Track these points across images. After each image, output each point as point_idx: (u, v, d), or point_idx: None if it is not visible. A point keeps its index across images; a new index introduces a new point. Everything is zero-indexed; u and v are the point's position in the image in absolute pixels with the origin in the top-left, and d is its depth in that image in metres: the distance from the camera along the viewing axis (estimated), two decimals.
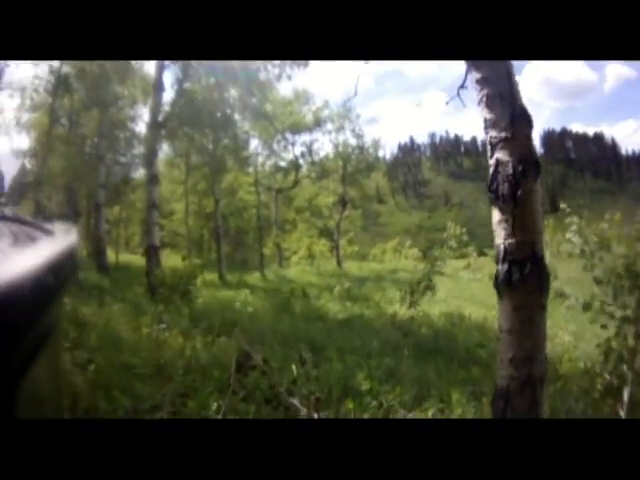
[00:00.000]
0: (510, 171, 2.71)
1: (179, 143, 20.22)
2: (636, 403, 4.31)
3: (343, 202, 31.15)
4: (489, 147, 2.86)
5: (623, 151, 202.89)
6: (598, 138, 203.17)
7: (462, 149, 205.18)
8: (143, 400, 4.26)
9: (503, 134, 2.78)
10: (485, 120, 2.89)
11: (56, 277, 0.44)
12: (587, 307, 4.58)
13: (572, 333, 7.49)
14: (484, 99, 2.87)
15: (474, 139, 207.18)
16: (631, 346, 4.29)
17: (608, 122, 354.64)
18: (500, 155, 2.77)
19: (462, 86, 4.24)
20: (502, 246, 2.68)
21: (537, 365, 2.58)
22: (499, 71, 2.85)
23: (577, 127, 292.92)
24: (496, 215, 2.75)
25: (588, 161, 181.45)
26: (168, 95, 17.28)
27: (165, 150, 21.78)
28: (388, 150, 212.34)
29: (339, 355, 5.93)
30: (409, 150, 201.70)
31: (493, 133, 2.83)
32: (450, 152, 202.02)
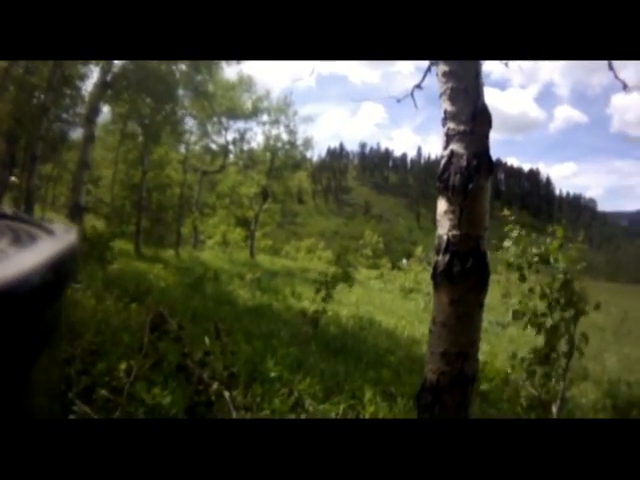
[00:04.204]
0: (464, 164, 2.65)
1: (119, 109, 20.27)
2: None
3: (265, 194, 31.22)
4: (445, 138, 2.82)
5: (557, 191, 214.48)
6: (533, 175, 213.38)
7: (390, 163, 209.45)
8: None
9: (462, 127, 2.73)
10: (445, 112, 2.83)
11: (57, 275, 0.44)
12: (518, 316, 4.59)
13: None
14: (448, 92, 2.82)
15: (404, 155, 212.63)
16: (564, 351, 4.34)
17: (546, 161, 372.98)
18: (456, 147, 2.72)
19: (418, 85, 4.20)
20: (445, 237, 2.61)
21: (470, 362, 2.51)
22: (467, 67, 2.81)
23: (512, 161, 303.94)
24: (442, 205, 2.69)
25: (518, 195, 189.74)
26: None
27: (104, 115, 21.41)
28: (317, 152, 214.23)
29: (247, 339, 5.75)
30: (337, 156, 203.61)
31: (452, 125, 2.78)
32: (378, 164, 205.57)
